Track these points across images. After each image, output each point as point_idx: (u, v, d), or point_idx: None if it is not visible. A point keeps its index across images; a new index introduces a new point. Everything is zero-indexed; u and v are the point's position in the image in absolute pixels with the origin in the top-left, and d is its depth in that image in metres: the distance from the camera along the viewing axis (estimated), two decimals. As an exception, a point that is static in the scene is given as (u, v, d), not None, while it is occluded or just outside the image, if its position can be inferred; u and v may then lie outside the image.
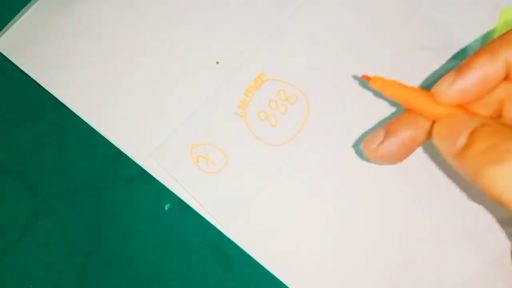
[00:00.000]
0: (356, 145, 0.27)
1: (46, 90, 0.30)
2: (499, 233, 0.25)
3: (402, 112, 0.21)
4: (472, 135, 0.17)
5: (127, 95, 0.29)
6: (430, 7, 0.28)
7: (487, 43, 0.18)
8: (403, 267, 0.25)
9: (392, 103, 0.27)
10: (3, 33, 0.31)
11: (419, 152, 0.26)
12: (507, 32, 0.18)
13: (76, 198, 0.29)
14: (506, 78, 0.18)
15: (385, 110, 0.27)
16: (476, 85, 0.17)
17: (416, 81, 0.27)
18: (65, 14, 0.31)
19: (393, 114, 0.27)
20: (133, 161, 0.28)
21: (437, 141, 0.18)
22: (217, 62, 0.29)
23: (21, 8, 0.31)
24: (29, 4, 0.31)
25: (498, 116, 0.20)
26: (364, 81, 0.25)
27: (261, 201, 0.27)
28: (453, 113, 0.18)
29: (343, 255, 0.25)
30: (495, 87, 0.18)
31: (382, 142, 0.20)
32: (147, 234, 0.28)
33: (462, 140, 0.17)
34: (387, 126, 0.21)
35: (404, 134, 0.20)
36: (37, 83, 0.30)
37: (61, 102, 0.30)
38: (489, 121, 0.17)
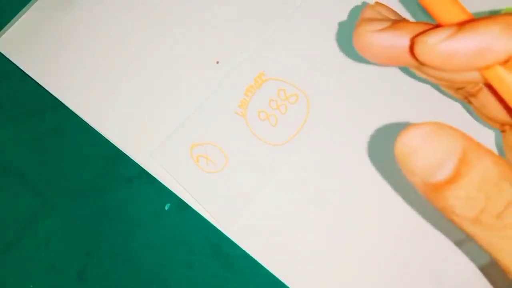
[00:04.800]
0: (356, 145, 0.27)
1: (46, 90, 0.30)
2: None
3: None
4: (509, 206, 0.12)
5: (127, 95, 0.29)
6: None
7: (499, 14, 0.14)
8: (403, 267, 0.25)
9: (393, 102, 0.27)
10: (3, 33, 0.31)
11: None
12: None
13: (76, 198, 0.29)
14: (504, 62, 0.14)
15: (386, 110, 0.27)
16: (472, 54, 0.14)
17: (416, 82, 0.27)
18: (65, 14, 0.31)
19: (393, 114, 0.27)
20: (133, 161, 0.28)
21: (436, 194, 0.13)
22: (217, 62, 0.29)
23: (21, 8, 0.31)
24: (29, 4, 0.31)
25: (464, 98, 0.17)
26: (364, 80, 0.25)
27: (261, 201, 0.27)
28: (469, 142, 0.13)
29: (343, 255, 0.25)
30: (486, 66, 0.14)
31: (382, 29, 0.16)
32: (147, 234, 0.28)
33: (481, 203, 0.12)
34: (397, 21, 0.17)
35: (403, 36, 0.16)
36: (37, 83, 0.30)
37: (61, 102, 0.30)
38: None
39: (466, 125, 0.26)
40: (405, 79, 0.27)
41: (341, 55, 0.28)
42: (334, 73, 0.28)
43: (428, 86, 0.27)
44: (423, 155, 0.13)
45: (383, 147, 0.27)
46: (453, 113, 0.27)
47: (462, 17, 0.15)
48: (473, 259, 0.25)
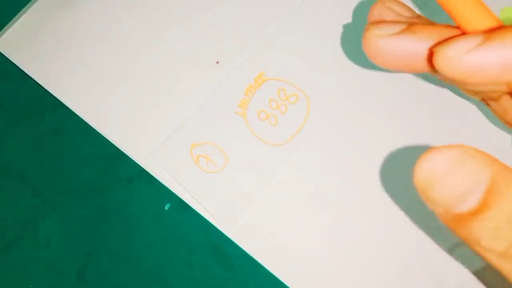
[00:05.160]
0: (356, 145, 0.27)
1: (46, 90, 0.30)
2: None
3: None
4: None
5: (127, 95, 0.29)
6: (430, 7, 0.28)
7: None
8: (403, 267, 0.25)
9: (393, 102, 0.27)
10: (3, 33, 0.31)
11: (420, 152, 0.26)
12: None
13: (76, 198, 0.29)
14: None
15: (386, 109, 0.27)
16: (500, 67, 0.12)
17: (417, 82, 0.27)
18: (65, 14, 0.31)
19: (393, 114, 0.27)
20: (133, 161, 0.28)
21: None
22: (217, 62, 0.29)
23: (21, 8, 0.31)
24: (29, 4, 0.31)
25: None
26: (364, 80, 0.25)
27: (261, 201, 0.27)
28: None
29: (343, 255, 0.25)
30: (508, 84, 0.13)
31: (395, 33, 0.14)
32: (147, 234, 0.28)
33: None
34: (413, 24, 0.15)
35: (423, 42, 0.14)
36: (37, 83, 0.30)
37: (61, 102, 0.30)
38: None
39: (472, 125, 0.26)
40: (405, 79, 0.27)
41: (341, 55, 0.28)
42: (334, 73, 0.28)
43: (428, 86, 0.27)
44: (446, 183, 0.12)
45: (383, 147, 0.27)
46: (453, 113, 0.27)
47: (488, 23, 0.13)
48: (467, 265, 0.25)
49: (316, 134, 0.27)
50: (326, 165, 0.27)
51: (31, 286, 0.28)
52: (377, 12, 0.16)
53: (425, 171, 0.12)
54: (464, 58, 0.12)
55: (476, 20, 0.13)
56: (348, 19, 0.29)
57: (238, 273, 0.27)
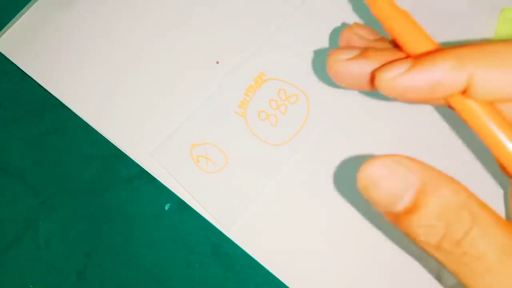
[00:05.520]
0: (356, 145, 0.27)
1: (46, 90, 0.30)
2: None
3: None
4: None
5: (127, 95, 0.29)
6: (429, 7, 0.28)
7: (455, 46, 0.15)
8: (403, 267, 0.25)
9: (393, 102, 0.27)
10: (3, 33, 0.31)
11: (420, 152, 0.26)
12: (477, 44, 0.15)
13: (76, 198, 0.29)
14: (463, 92, 0.15)
15: (386, 109, 0.27)
16: (426, 88, 0.15)
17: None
18: (65, 14, 0.31)
19: (393, 114, 0.27)
20: (133, 161, 0.28)
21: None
22: (217, 62, 0.29)
23: (21, 8, 0.31)
24: (29, 4, 0.31)
25: None
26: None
27: (261, 201, 0.27)
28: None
29: (343, 255, 0.25)
30: (442, 99, 0.15)
31: (350, 58, 0.17)
32: (147, 234, 0.28)
33: (441, 231, 0.13)
34: (367, 49, 0.18)
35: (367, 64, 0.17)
36: (37, 83, 0.30)
37: (61, 102, 0.30)
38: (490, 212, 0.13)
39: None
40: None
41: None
42: (334, 73, 0.28)
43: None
44: (382, 186, 0.14)
45: (383, 146, 0.27)
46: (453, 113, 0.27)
47: (426, 46, 0.16)
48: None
49: (316, 134, 0.27)
50: (326, 165, 0.27)
51: (31, 286, 0.28)
52: (346, 37, 0.19)
53: (365, 176, 0.14)
54: (397, 80, 0.15)
55: (414, 44, 0.16)
56: (348, 19, 0.29)
57: (238, 273, 0.27)
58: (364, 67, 0.17)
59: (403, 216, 0.14)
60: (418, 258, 0.25)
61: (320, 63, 0.28)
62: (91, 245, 0.28)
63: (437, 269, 0.25)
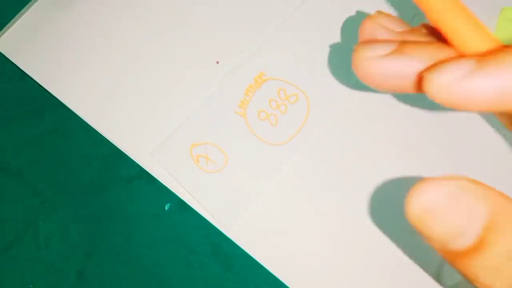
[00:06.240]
0: (356, 145, 0.27)
1: (46, 90, 0.30)
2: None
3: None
4: None
5: (127, 95, 0.29)
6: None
7: None
8: (403, 267, 0.25)
9: (393, 102, 0.27)
10: (3, 33, 0.31)
11: (419, 151, 0.26)
12: None
13: (76, 198, 0.29)
14: None
15: (386, 109, 0.27)
16: (497, 96, 0.11)
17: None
18: (65, 14, 0.31)
19: (394, 114, 0.27)
20: (133, 161, 0.28)
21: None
22: (217, 62, 0.29)
23: (21, 8, 0.31)
24: (29, 4, 0.31)
25: None
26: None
27: (261, 201, 0.27)
28: None
29: (343, 255, 0.25)
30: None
31: (385, 55, 0.14)
32: (147, 234, 0.28)
33: None
34: (404, 43, 0.14)
35: (417, 61, 0.13)
36: (37, 83, 0.30)
37: (61, 102, 0.30)
38: None
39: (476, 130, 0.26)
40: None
41: (341, 55, 0.28)
42: (334, 73, 0.28)
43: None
44: (441, 218, 0.11)
45: (384, 146, 0.27)
46: (456, 114, 0.27)
47: (486, 44, 0.12)
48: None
49: (316, 134, 0.27)
50: (326, 165, 0.27)
51: (31, 286, 0.28)
52: (368, 29, 0.15)
53: (420, 204, 0.11)
54: (455, 86, 0.11)
55: (472, 41, 0.12)
56: (348, 19, 0.29)
57: (238, 273, 0.27)
58: (403, 66, 0.13)
59: (464, 255, 0.11)
60: (417, 259, 0.25)
61: (320, 63, 0.28)
62: (91, 245, 0.28)
63: (437, 270, 0.25)
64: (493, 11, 0.27)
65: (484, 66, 0.11)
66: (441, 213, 0.11)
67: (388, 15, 0.15)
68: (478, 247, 0.10)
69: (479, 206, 0.10)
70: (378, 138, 0.27)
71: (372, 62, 0.14)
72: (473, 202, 0.10)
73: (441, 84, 0.11)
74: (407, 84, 0.14)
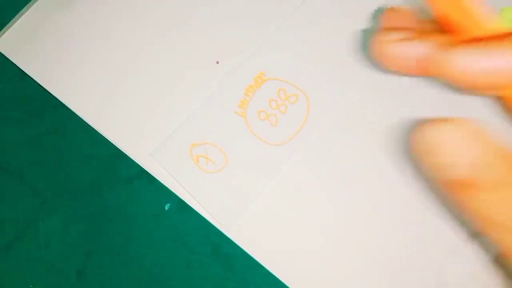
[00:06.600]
0: (356, 145, 0.27)
1: (46, 90, 0.30)
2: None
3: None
4: None
5: (127, 95, 0.29)
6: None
7: None
8: (403, 267, 0.25)
9: (393, 102, 0.27)
10: (3, 33, 0.31)
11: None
12: None
13: (76, 198, 0.29)
14: None
15: (386, 109, 0.27)
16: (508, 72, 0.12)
17: (417, 82, 0.27)
18: (65, 14, 0.31)
19: (394, 114, 0.27)
20: (133, 161, 0.28)
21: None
22: (217, 62, 0.29)
23: (21, 8, 0.31)
24: (29, 4, 0.31)
25: None
26: (364, 80, 0.25)
27: (261, 201, 0.27)
28: None
29: (343, 255, 0.25)
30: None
31: (405, 39, 0.16)
32: (147, 234, 0.28)
33: None
34: (422, 30, 0.16)
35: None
36: (37, 83, 0.30)
37: (61, 102, 0.30)
38: None
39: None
40: (407, 79, 0.27)
41: (341, 55, 0.28)
42: (334, 73, 0.28)
43: (431, 85, 0.27)
44: (451, 150, 0.12)
45: (384, 146, 0.27)
46: (456, 114, 0.27)
47: (493, 29, 0.14)
48: (478, 253, 0.25)
49: (316, 134, 0.27)
50: (326, 165, 0.27)
51: (31, 286, 0.28)
52: (390, 18, 0.18)
53: (432, 136, 0.12)
54: (468, 65, 0.13)
55: (475, 28, 0.14)
56: (348, 19, 0.29)
57: (238, 273, 0.27)
58: (419, 49, 0.15)
59: (462, 187, 0.12)
60: (417, 259, 0.25)
61: (320, 63, 0.28)
62: (91, 245, 0.28)
63: (437, 270, 0.25)
64: (493, 11, 0.27)
65: (496, 47, 0.13)
66: (441, 145, 0.12)
67: (405, 7, 0.18)
68: (472, 180, 0.12)
69: (472, 143, 0.12)
70: (378, 138, 0.27)
71: (391, 45, 0.16)
72: (467, 139, 0.12)
73: (456, 65, 0.13)
74: (423, 66, 0.16)
